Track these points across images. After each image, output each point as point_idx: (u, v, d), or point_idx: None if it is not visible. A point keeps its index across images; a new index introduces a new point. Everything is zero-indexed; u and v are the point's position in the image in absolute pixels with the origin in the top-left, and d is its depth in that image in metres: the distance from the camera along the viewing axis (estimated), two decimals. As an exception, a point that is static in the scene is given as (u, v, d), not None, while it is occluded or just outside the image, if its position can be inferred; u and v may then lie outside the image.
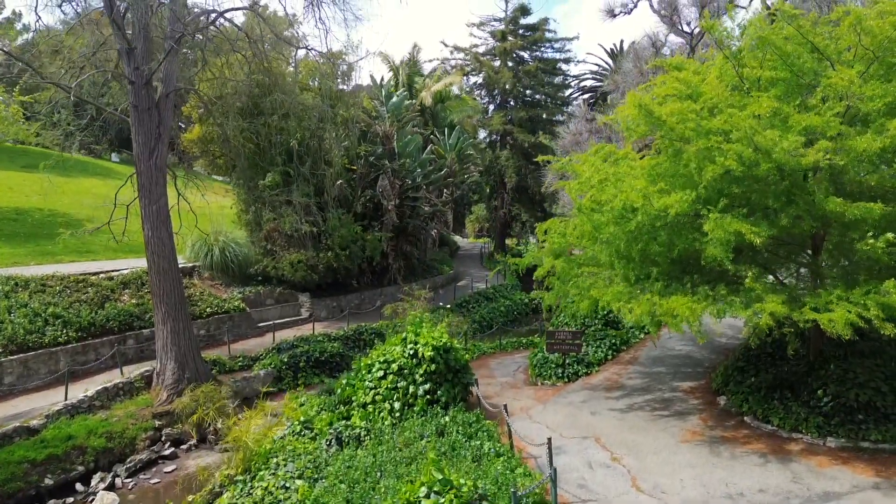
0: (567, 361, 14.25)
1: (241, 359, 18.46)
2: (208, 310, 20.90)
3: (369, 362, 12.03)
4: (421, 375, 11.35)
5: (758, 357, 12.06)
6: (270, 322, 23.17)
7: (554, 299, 12.35)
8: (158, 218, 16.18)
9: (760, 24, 10.25)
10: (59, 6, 14.30)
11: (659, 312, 9.12)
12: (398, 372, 11.50)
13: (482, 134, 49.95)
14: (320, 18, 21.60)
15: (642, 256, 10.63)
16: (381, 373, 11.66)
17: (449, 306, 26.13)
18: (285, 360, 18.41)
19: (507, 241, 54.39)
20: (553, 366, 14.35)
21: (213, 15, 17.03)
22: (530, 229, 50.26)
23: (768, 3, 19.32)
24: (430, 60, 48.19)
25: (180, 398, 15.17)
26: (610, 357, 15.02)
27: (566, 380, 13.99)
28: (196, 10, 18.60)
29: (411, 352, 11.58)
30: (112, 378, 15.94)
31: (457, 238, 58.69)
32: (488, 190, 49.88)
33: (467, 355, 12.36)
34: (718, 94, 9.61)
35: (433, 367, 11.31)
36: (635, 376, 13.67)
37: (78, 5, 14.70)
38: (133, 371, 16.20)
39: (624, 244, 10.04)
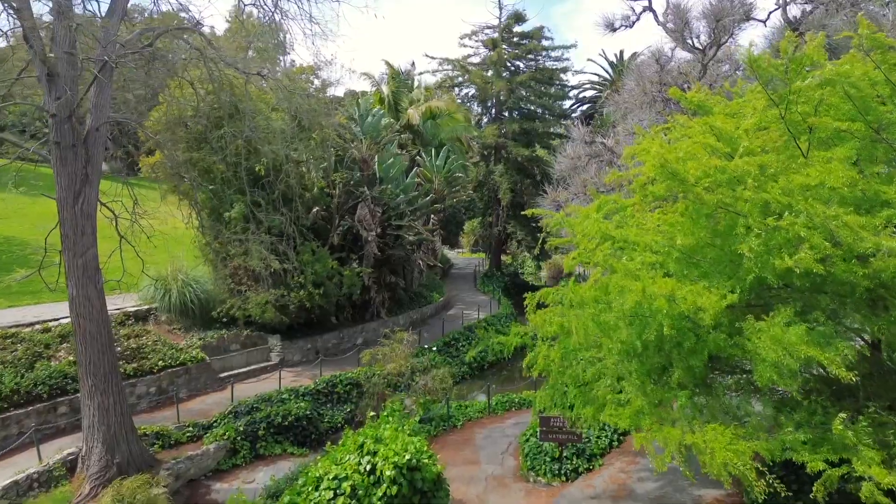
0: (564, 454, 11.87)
1: (190, 427, 16.01)
2: (160, 363, 18.45)
3: (318, 475, 9.62)
4: (379, 499, 8.96)
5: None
6: (235, 371, 20.80)
7: (549, 401, 9.95)
8: (85, 273, 13.78)
9: (817, 58, 7.88)
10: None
11: (696, 451, 6.77)
12: (352, 494, 9.10)
13: (476, 142, 47.61)
14: (282, 41, 19.05)
15: (660, 357, 8.27)
16: (330, 493, 9.26)
17: (435, 348, 23.76)
18: (241, 427, 16.02)
19: (503, 258, 52.02)
20: (548, 458, 11.95)
21: (151, 34, 14.65)
22: (527, 247, 47.91)
23: (790, 17, 17.01)
24: (421, 73, 45.73)
25: (106, 490, 12.78)
26: (616, 444, 12.61)
27: (563, 478, 11.59)
28: (140, 29, 16.32)
29: (368, 467, 9.19)
30: (31, 463, 13.50)
31: (450, 254, 56.31)
32: (482, 205, 47.46)
33: (437, 460, 9.94)
34: (773, 150, 7.25)
35: (395, 489, 8.92)
36: (647, 476, 11.27)
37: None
38: (54, 456, 13.72)
39: (640, 351, 7.68)
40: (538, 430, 11.98)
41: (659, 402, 8.16)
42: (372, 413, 11.48)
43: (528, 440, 12.91)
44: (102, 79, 13.29)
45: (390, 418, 10.23)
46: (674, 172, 7.75)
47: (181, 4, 15.62)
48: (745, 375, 8.64)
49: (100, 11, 15.08)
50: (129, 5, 14.98)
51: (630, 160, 9.43)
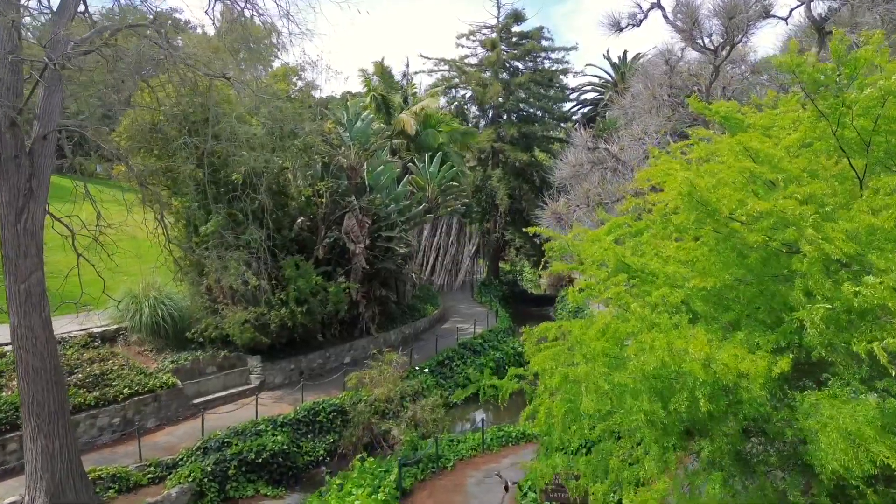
0: (568, 515, 10.39)
1: (152, 467, 14.48)
2: (126, 391, 16.90)
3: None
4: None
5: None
6: (211, 396, 19.25)
7: (550, 473, 8.43)
8: (28, 300, 12.25)
9: (878, 61, 6.39)
10: None
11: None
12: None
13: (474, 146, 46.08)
14: (270, 43, 17.50)
15: (683, 421, 6.80)
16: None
17: (427, 370, 22.25)
18: (209, 467, 14.52)
19: (501, 265, 50.57)
20: (550, 520, 10.48)
21: (106, 33, 13.15)
22: (525, 255, 46.46)
23: (815, 15, 15.53)
24: (416, 73, 44.25)
25: (48, 549, 11.30)
26: (626, 499, 11.09)
27: (567, 544, 10.10)
28: (100, 22, 14.85)
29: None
30: (-35, 514, 12.04)
31: (447, 260, 54.75)
32: (480, 211, 45.97)
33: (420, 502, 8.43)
34: (824, 177, 5.78)
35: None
36: (665, 544, 9.74)
37: None
38: (-8, 505, 12.25)
39: (665, 421, 6.19)
40: (541, 492, 10.46)
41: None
42: (339, 481, 9.95)
43: (525, 494, 11.38)
44: (43, 82, 11.80)
45: (362, 481, 8.71)
46: (703, 202, 6.28)
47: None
48: (787, 444, 7.13)
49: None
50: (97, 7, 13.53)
51: (645, 183, 7.92)
